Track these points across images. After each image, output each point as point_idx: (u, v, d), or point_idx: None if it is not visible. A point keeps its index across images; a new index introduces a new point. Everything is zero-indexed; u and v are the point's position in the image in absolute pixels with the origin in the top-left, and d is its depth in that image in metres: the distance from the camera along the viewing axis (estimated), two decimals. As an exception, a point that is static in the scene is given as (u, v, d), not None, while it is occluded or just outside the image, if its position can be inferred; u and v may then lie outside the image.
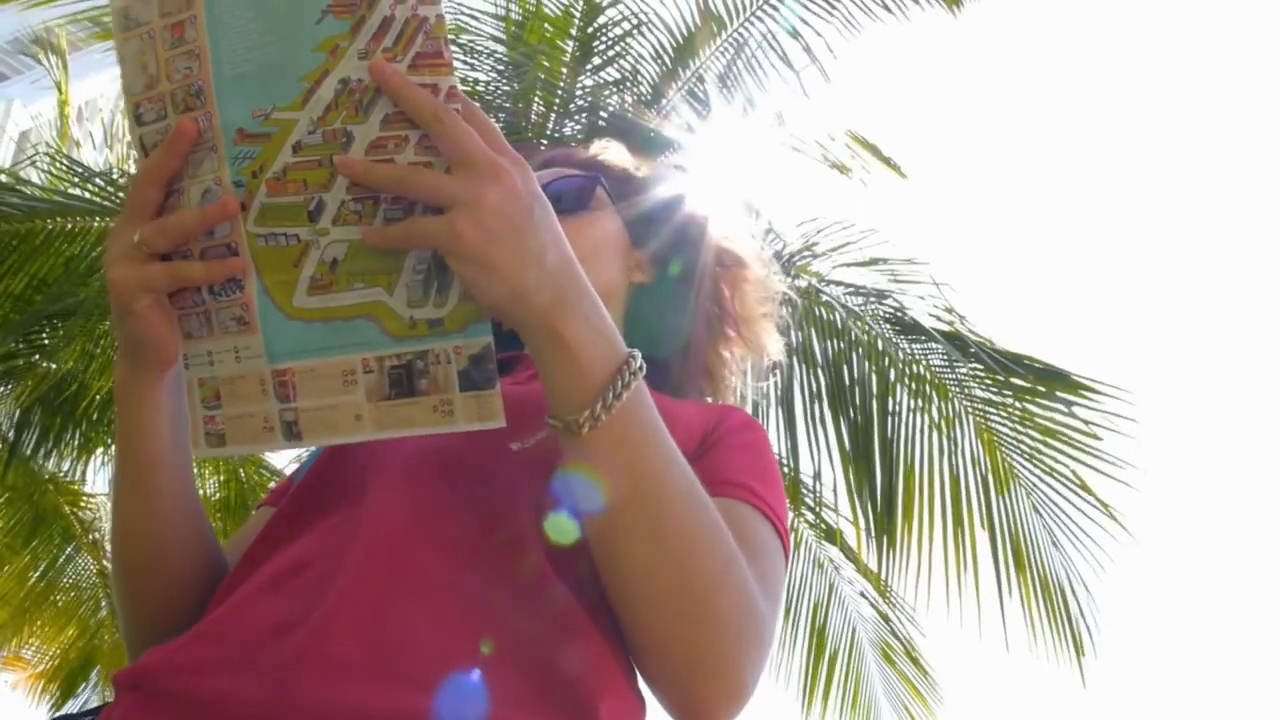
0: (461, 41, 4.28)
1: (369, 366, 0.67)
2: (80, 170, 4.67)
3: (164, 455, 0.78)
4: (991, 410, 3.85)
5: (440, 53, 0.63)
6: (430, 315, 0.65)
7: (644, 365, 0.65)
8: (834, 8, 3.90)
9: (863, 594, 4.68)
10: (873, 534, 3.90)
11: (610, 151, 1.16)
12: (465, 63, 4.32)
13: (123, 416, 0.76)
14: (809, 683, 4.65)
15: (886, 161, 4.22)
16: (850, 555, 4.57)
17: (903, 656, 4.64)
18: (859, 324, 3.99)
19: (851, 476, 3.94)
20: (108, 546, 6.19)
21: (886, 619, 4.58)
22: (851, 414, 3.94)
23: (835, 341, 4.02)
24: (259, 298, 0.69)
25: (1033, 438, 3.74)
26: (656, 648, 0.68)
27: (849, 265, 4.29)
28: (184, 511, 0.82)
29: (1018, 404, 3.76)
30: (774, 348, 1.13)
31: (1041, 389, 3.70)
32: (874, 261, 4.22)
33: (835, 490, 4.03)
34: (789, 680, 4.65)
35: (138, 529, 0.81)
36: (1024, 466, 3.80)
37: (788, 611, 4.63)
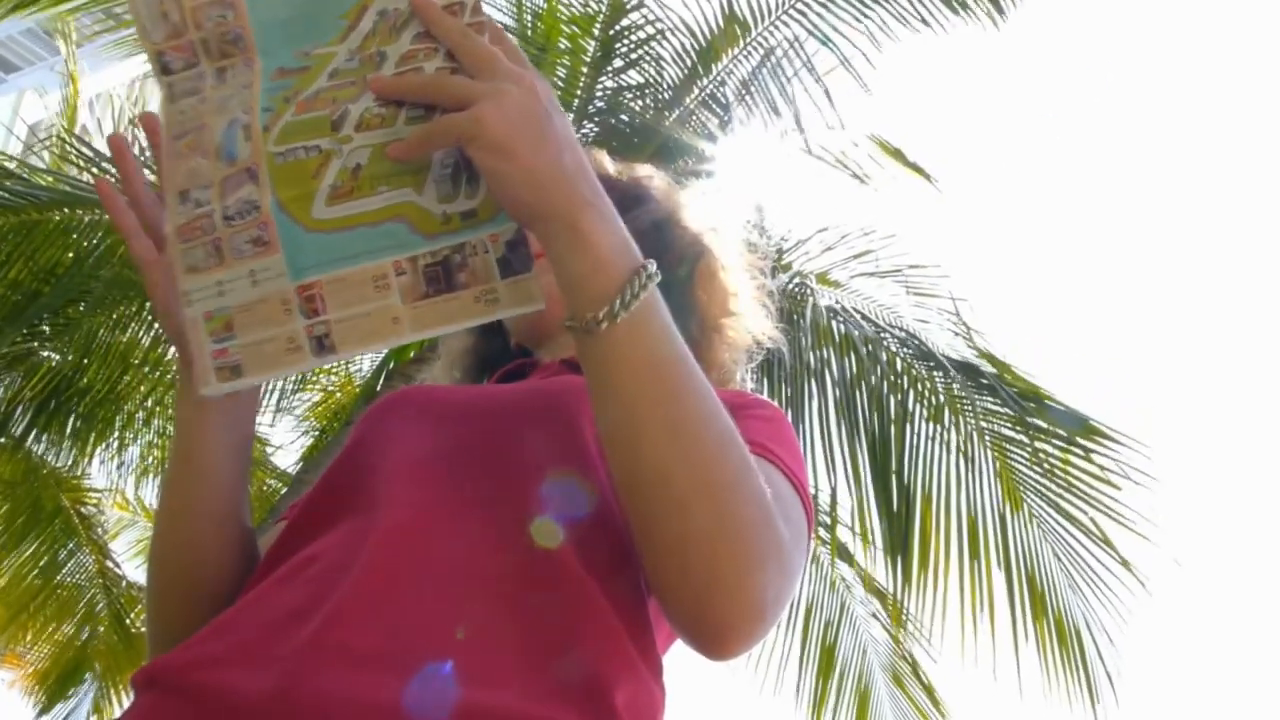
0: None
1: (401, 269, 0.66)
2: (91, 154, 4.58)
3: (214, 458, 0.79)
4: (1011, 447, 3.77)
5: None
6: (463, 208, 0.66)
7: (658, 273, 0.66)
8: (865, 15, 3.83)
9: (874, 615, 4.61)
10: (889, 553, 3.81)
11: (596, 162, 1.14)
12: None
13: (177, 431, 0.79)
14: (817, 700, 4.56)
15: (912, 167, 4.14)
16: (862, 575, 4.50)
17: (912, 680, 4.57)
18: (878, 344, 3.90)
19: (870, 498, 3.85)
20: (110, 544, 6.18)
21: (898, 642, 4.51)
22: (869, 435, 3.86)
23: (853, 360, 3.93)
24: (275, 214, 0.68)
25: (1053, 479, 3.66)
26: (672, 557, 0.65)
27: (868, 275, 4.20)
28: (228, 520, 0.82)
29: (1038, 445, 3.68)
30: (764, 333, 1.12)
31: (1062, 433, 3.62)
32: (895, 271, 4.12)
33: (853, 512, 3.94)
34: (799, 698, 4.57)
35: (179, 527, 0.81)
36: (1041, 507, 3.71)
37: (799, 627, 4.55)
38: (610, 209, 0.67)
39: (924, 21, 3.78)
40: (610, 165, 1.14)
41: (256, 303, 0.68)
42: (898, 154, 4.07)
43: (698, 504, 0.63)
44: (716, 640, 0.66)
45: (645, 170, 1.15)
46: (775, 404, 0.93)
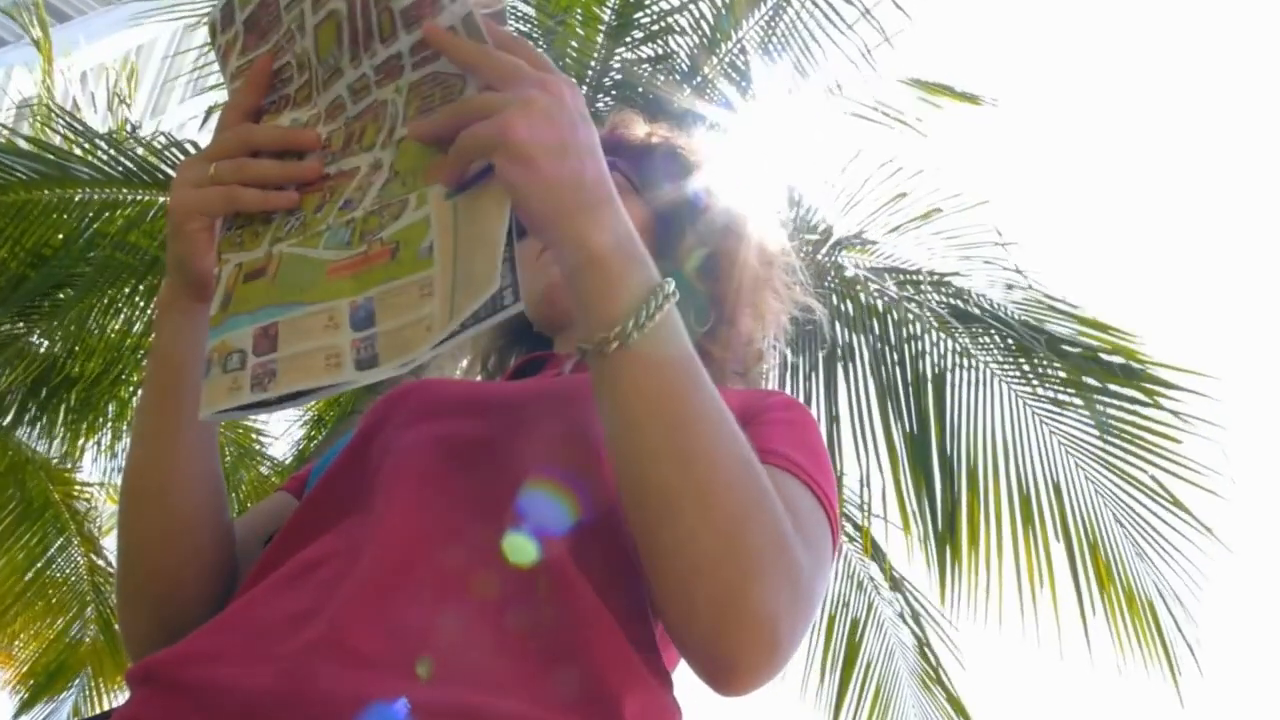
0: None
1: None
2: (81, 129, 4.38)
3: (191, 390, 0.76)
4: (1064, 409, 3.58)
5: None
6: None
7: (676, 293, 0.65)
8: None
9: (901, 616, 4.46)
10: (934, 540, 3.61)
11: (628, 125, 1.13)
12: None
13: (157, 341, 0.79)
14: (837, 703, 4.43)
15: (962, 96, 3.91)
16: (890, 577, 4.35)
17: (938, 684, 4.41)
18: (913, 313, 3.68)
19: (908, 481, 3.65)
20: (104, 540, 6.01)
21: (927, 644, 4.35)
22: (906, 415, 3.67)
23: (887, 334, 3.73)
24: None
25: (1112, 439, 3.47)
26: (680, 588, 0.64)
27: (900, 229, 3.96)
28: (202, 466, 0.81)
29: (1094, 401, 3.47)
30: (795, 317, 1.11)
31: (1123, 390, 3.42)
32: (929, 214, 3.88)
33: (885, 505, 3.76)
34: (820, 700, 4.44)
35: (153, 470, 0.80)
36: (1100, 471, 3.52)
37: (823, 626, 4.41)
38: (626, 226, 0.65)
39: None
40: (641, 128, 1.11)
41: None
42: (943, 89, 3.87)
43: (706, 533, 0.62)
44: (727, 673, 0.65)
45: (675, 136, 1.11)
46: (800, 402, 0.91)
